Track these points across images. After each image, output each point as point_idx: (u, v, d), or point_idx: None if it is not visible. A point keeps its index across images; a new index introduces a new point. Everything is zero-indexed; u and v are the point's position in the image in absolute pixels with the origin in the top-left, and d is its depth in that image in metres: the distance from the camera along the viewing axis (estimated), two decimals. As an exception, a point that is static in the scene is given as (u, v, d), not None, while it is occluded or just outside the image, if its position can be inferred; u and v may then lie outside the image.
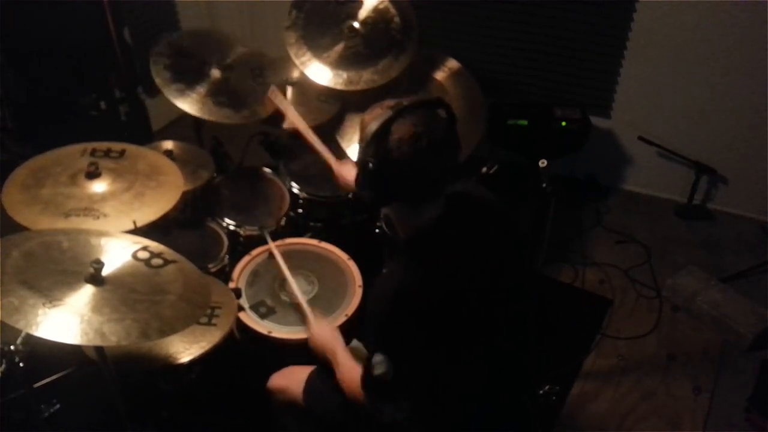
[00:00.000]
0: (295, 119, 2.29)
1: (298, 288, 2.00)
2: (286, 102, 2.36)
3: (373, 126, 1.33)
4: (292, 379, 1.77)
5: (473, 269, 1.44)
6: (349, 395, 1.52)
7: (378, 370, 1.36)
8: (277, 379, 1.81)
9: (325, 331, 1.73)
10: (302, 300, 1.95)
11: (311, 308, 1.90)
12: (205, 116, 2.37)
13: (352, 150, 2.56)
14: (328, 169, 2.10)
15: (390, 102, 1.37)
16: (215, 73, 2.46)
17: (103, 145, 1.98)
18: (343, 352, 1.61)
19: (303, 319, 1.96)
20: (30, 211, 1.74)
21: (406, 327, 1.38)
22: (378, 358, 1.37)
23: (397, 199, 1.41)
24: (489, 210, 1.55)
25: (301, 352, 1.95)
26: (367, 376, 1.41)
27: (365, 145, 1.35)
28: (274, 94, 2.37)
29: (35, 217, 1.73)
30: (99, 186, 1.85)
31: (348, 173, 1.97)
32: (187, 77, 2.41)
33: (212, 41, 2.58)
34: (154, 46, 2.42)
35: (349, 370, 1.52)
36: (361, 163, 1.38)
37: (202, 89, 2.41)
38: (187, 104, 2.36)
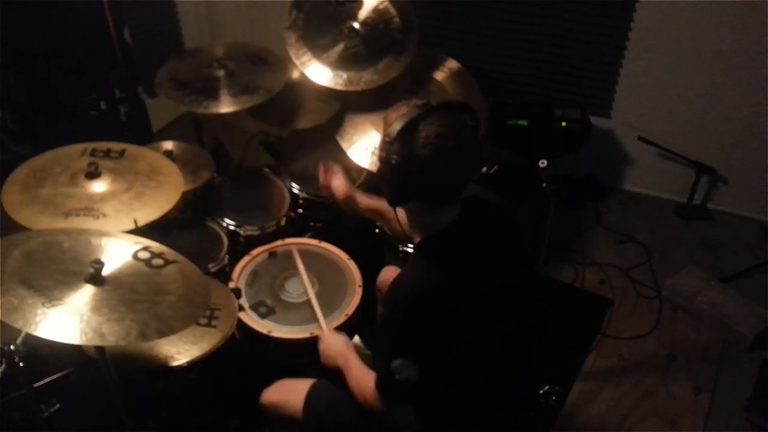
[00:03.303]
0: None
1: (316, 299, 2.01)
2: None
3: (400, 123, 1.32)
4: (287, 394, 1.74)
5: (487, 273, 1.44)
6: (361, 401, 1.50)
7: (400, 374, 1.35)
8: (271, 394, 1.77)
9: (337, 341, 1.72)
10: (318, 310, 1.97)
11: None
12: (231, 108, 2.40)
13: (353, 150, 2.56)
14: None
15: (417, 101, 1.37)
16: (219, 72, 2.47)
17: (103, 145, 1.98)
18: (356, 359, 1.61)
19: (304, 319, 1.96)
20: (30, 211, 1.74)
21: (424, 330, 1.37)
22: (397, 363, 1.35)
23: (415, 198, 1.40)
24: (501, 215, 1.55)
25: (301, 351, 1.96)
26: (386, 381, 1.40)
27: (390, 141, 1.34)
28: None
29: (35, 217, 1.73)
30: (99, 186, 1.85)
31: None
32: (197, 87, 2.44)
33: (199, 55, 2.64)
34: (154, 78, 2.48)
35: (363, 376, 1.52)
36: (383, 159, 1.38)
37: (215, 91, 2.44)
38: (211, 108, 2.39)
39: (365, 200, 1.93)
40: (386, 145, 1.36)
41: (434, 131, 1.30)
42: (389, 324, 1.44)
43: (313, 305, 2.01)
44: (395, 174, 1.35)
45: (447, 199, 1.40)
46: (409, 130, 1.31)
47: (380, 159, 1.39)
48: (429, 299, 1.37)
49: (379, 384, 1.43)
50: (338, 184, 1.99)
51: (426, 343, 1.38)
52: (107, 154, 1.96)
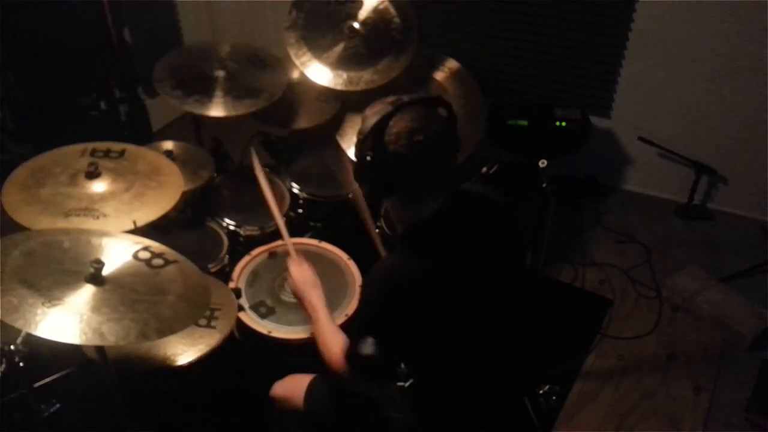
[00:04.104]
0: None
1: (278, 212, 1.98)
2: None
3: (372, 120, 1.35)
4: (295, 388, 1.77)
5: (471, 267, 1.44)
6: (327, 362, 1.53)
7: (365, 350, 1.38)
8: (280, 387, 1.80)
9: (305, 276, 1.72)
10: (287, 237, 1.94)
11: (296, 250, 1.89)
12: (233, 113, 2.38)
13: (353, 151, 2.55)
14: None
15: (391, 98, 1.39)
16: (219, 73, 2.47)
17: (103, 145, 1.98)
18: (324, 311, 1.63)
19: (304, 319, 1.95)
20: (30, 211, 1.74)
21: (397, 315, 1.39)
22: (368, 339, 1.38)
23: (393, 192, 1.43)
24: (492, 209, 1.55)
25: (301, 351, 1.96)
26: (353, 353, 1.42)
27: (363, 138, 1.37)
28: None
29: (35, 217, 1.73)
30: (99, 186, 1.85)
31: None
32: (197, 87, 2.43)
33: (201, 49, 2.61)
34: (153, 74, 2.44)
35: (332, 338, 1.54)
36: (358, 157, 1.40)
37: (216, 92, 2.42)
38: (213, 110, 2.37)
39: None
40: (359, 143, 1.38)
41: (405, 126, 1.32)
42: (364, 303, 1.47)
43: (280, 228, 1.96)
44: (370, 171, 1.38)
45: (425, 191, 1.41)
46: (380, 126, 1.34)
47: (356, 156, 1.42)
48: (403, 285, 1.37)
49: (347, 354, 1.45)
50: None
51: (398, 329, 1.40)
52: (107, 154, 1.95)
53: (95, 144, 1.98)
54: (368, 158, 1.36)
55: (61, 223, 1.72)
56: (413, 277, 1.38)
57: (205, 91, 2.42)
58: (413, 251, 1.42)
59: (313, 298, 1.68)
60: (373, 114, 1.36)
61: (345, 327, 1.86)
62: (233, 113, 2.38)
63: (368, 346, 1.38)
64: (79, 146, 1.97)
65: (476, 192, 1.56)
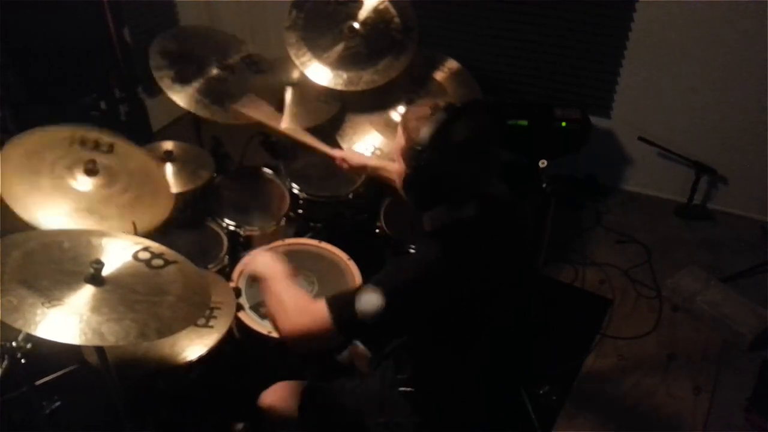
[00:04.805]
0: (275, 123, 2.19)
1: None
2: (262, 109, 2.20)
3: (428, 128, 1.29)
4: (283, 396, 1.74)
5: (499, 270, 1.44)
6: (291, 318, 1.41)
7: (366, 306, 1.29)
8: (268, 397, 1.77)
9: (263, 255, 1.61)
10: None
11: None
12: (200, 113, 2.40)
13: (353, 151, 2.55)
14: (332, 159, 2.09)
15: (438, 102, 1.34)
16: (213, 71, 2.47)
17: (92, 135, 1.96)
18: (285, 267, 1.51)
19: None
20: (30, 211, 1.74)
21: (423, 304, 1.34)
22: (373, 296, 1.29)
23: (442, 201, 1.39)
24: (514, 212, 1.54)
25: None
26: (346, 310, 1.33)
27: (421, 149, 1.30)
28: (248, 104, 2.21)
29: (35, 216, 1.72)
30: (98, 186, 1.85)
31: (357, 157, 2.07)
32: (189, 74, 2.43)
33: (210, 40, 2.59)
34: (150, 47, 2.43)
35: (297, 292, 1.46)
36: (414, 167, 1.34)
37: (198, 85, 2.43)
38: (182, 99, 2.38)
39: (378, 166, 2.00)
40: (416, 153, 1.31)
41: (466, 135, 1.29)
42: (396, 268, 1.38)
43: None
44: (427, 180, 1.34)
45: (471, 195, 1.39)
46: (440, 135, 1.29)
47: (410, 167, 1.35)
48: (441, 275, 1.33)
49: (336, 312, 1.35)
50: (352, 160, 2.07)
51: (420, 310, 1.35)
52: (96, 146, 1.94)
53: (83, 132, 1.95)
54: (425, 168, 1.31)
55: (62, 224, 1.72)
56: (445, 272, 1.34)
57: (210, 95, 2.42)
58: (452, 248, 1.36)
59: (270, 261, 1.55)
60: (425, 121, 1.30)
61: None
62: (201, 114, 2.40)
63: (370, 302, 1.29)
64: (67, 130, 1.93)
65: (502, 196, 1.51)
